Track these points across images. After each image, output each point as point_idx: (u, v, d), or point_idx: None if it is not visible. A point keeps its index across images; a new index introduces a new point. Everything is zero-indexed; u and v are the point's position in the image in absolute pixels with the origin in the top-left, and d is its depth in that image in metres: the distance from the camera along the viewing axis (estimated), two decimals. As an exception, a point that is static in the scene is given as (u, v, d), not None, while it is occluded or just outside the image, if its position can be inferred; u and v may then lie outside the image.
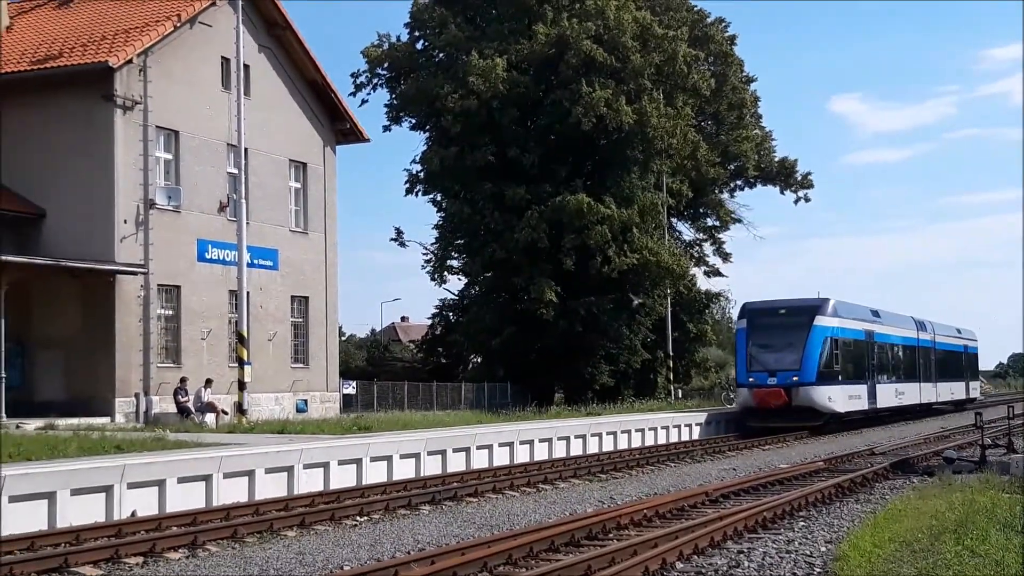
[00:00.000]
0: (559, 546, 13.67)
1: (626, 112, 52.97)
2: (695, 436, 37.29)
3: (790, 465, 24.27)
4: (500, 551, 12.70)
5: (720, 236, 69.92)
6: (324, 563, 12.91)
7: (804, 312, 39.26)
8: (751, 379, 38.78)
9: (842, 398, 39.11)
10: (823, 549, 13.22)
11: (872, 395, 42.74)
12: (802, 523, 15.65)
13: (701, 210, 68.34)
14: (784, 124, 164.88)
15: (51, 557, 12.96)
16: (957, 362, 62.52)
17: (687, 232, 69.80)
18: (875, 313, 46.45)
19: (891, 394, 45.92)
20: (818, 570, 11.86)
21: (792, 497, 17.37)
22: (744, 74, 67.65)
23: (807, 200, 70.92)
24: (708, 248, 69.84)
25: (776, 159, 69.25)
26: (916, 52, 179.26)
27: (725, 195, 69.29)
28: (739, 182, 69.81)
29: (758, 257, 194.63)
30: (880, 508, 16.97)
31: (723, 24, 66.42)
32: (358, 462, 22.16)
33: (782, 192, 70.84)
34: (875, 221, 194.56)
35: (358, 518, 16.98)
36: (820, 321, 38.75)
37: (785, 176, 69.72)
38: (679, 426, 37.06)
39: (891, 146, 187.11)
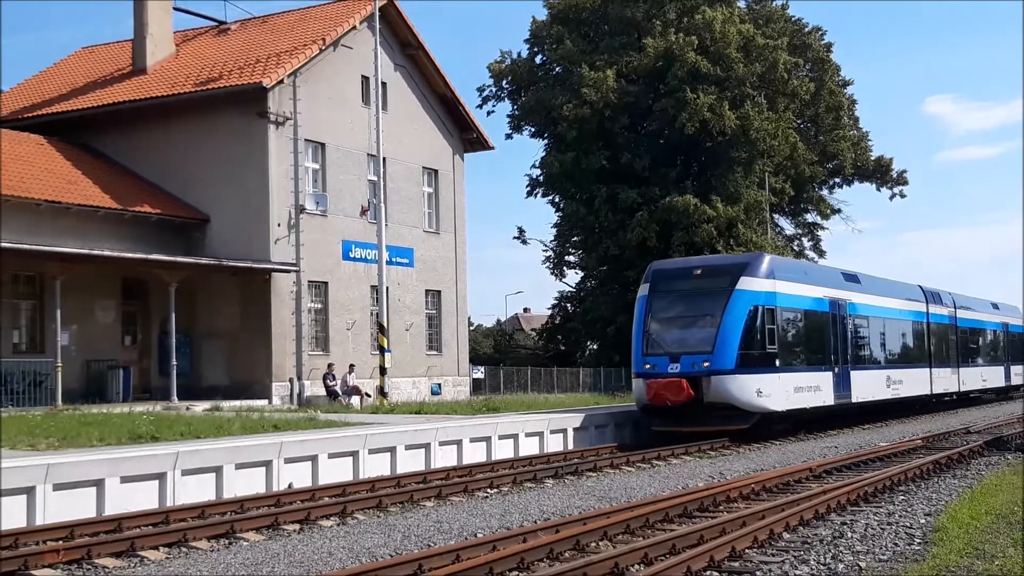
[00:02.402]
0: (672, 517, 13.57)
1: (729, 117, 52.52)
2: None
3: (889, 443, 23.74)
4: (618, 521, 12.68)
5: (818, 232, 68.88)
6: (459, 530, 13.00)
7: (724, 273, 26.30)
8: (647, 365, 25.44)
9: (781, 391, 25.92)
10: (922, 521, 12.92)
11: (841, 385, 29.45)
12: (902, 497, 15.29)
13: (802, 206, 67.22)
14: (880, 124, 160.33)
15: (219, 524, 13.25)
16: (992, 343, 47.69)
17: (788, 227, 68.79)
18: (851, 278, 33.03)
19: (877, 383, 32.72)
20: (918, 541, 11.60)
21: (892, 472, 16.99)
22: (841, 78, 66.26)
23: (903, 196, 69.23)
24: (806, 243, 68.79)
25: (872, 158, 67.69)
26: (1003, 53, 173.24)
27: (824, 192, 68.08)
28: (837, 180, 68.52)
29: (855, 250, 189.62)
30: (976, 483, 16.48)
31: (820, 32, 65.23)
32: (487, 440, 22.28)
33: (878, 189, 69.26)
34: (968, 215, 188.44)
35: (488, 490, 17.05)
36: (746, 284, 25.34)
37: (881, 174, 68.14)
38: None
39: (982, 143, 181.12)
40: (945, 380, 39.47)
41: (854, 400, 30.34)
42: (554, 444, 24.09)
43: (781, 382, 25.98)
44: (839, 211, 68.99)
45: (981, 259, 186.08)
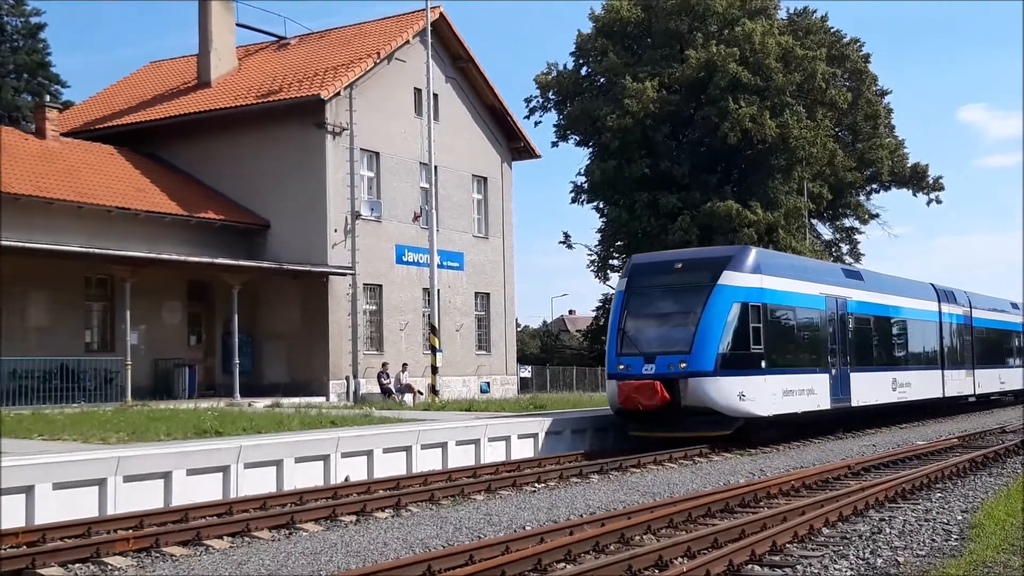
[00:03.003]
0: (714, 512, 13.51)
1: (769, 126, 52.22)
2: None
3: (926, 442, 23.43)
4: (662, 515, 12.63)
5: (856, 237, 68.18)
6: (508, 523, 13.00)
7: (705, 267, 23.26)
8: (621, 366, 22.64)
9: (768, 394, 23.01)
10: (959, 518, 12.73)
11: (839, 388, 26.36)
12: (939, 494, 15.07)
13: (840, 211, 66.58)
14: (916, 132, 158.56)
15: (280, 515, 13.32)
16: (1011, 343, 43.59)
17: (826, 232, 68.10)
18: (852, 275, 30.51)
19: (882, 386, 29.22)
20: (955, 537, 11.45)
21: (929, 470, 16.77)
22: (878, 88, 65.49)
23: (939, 202, 68.07)
24: (844, 248, 68.08)
25: (909, 164, 66.76)
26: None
27: (861, 197, 67.37)
28: (874, 186, 67.64)
29: (892, 255, 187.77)
30: (1012, 481, 16.19)
31: (858, 43, 64.46)
32: (535, 436, 22.27)
33: (914, 195, 68.23)
34: (1003, 219, 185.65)
35: (536, 485, 17.04)
36: (729, 279, 22.52)
37: (917, 180, 67.21)
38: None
39: (1015, 150, 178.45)
40: (959, 382, 35.68)
41: (854, 404, 27.12)
42: (599, 441, 23.98)
43: (768, 385, 23.07)
44: (877, 216, 68.26)
45: (1012, 263, 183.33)
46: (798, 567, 10.02)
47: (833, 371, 26.23)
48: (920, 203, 69.73)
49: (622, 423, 23.38)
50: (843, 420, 27.21)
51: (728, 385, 22.06)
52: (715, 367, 21.81)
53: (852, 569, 9.91)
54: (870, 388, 28.24)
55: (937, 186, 67.47)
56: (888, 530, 11.91)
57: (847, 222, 68.17)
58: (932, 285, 35.56)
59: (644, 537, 11.77)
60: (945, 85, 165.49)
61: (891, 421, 30.16)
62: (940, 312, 34.92)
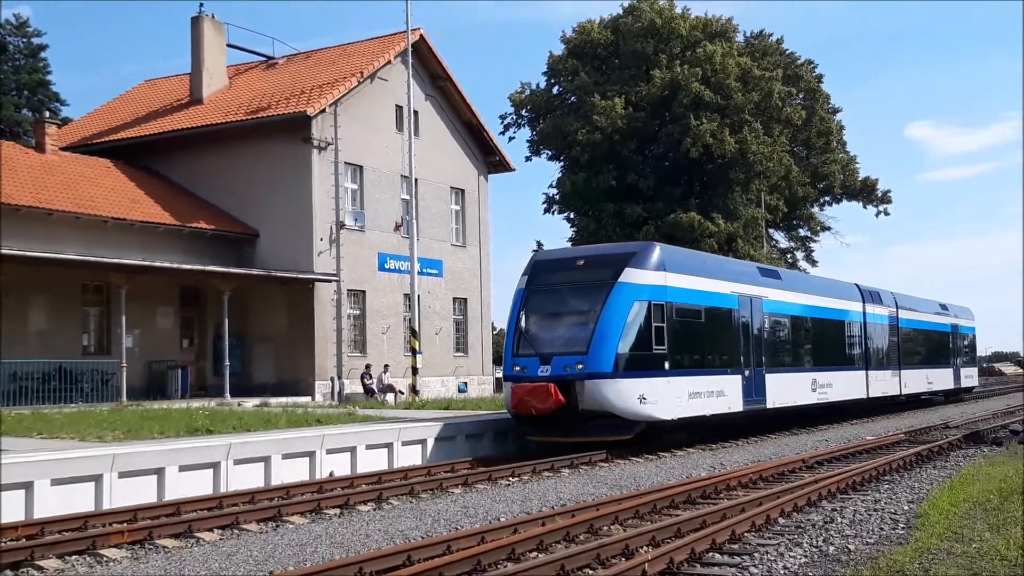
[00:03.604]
0: (678, 503, 13.51)
1: (729, 142, 52.54)
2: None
3: (875, 437, 23.57)
4: (629, 507, 12.63)
5: (811, 245, 68.62)
6: (484, 515, 12.96)
7: (607, 264, 20.79)
8: (517, 367, 20.15)
9: (672, 397, 20.58)
10: (906, 508, 12.81)
11: (754, 390, 24.06)
12: (887, 486, 15.15)
13: (795, 222, 67.01)
14: (866, 148, 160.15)
15: (268, 508, 13.24)
16: (939, 344, 41.03)
17: (783, 241, 68.50)
18: (768, 273, 27.52)
19: (800, 387, 26.81)
20: (902, 526, 11.51)
21: (878, 464, 16.87)
22: (830, 106, 66.03)
23: (887, 214, 68.75)
24: (799, 255, 68.51)
25: (859, 178, 67.30)
26: (978, 82, 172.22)
27: (815, 209, 67.80)
28: (827, 198, 68.09)
29: (845, 264, 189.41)
30: (955, 473, 16.32)
31: (812, 65, 64.98)
32: (506, 434, 22.17)
33: (864, 207, 68.79)
34: (950, 229, 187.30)
35: (510, 479, 16.98)
36: (630, 277, 20.15)
37: (867, 193, 67.73)
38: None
39: (961, 165, 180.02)
40: (884, 383, 33.27)
41: (770, 406, 24.75)
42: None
43: (671, 387, 20.59)
44: (829, 228, 68.76)
45: (957, 269, 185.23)
46: (755, 555, 10.03)
47: (746, 372, 23.85)
48: (870, 215, 70.29)
49: (518, 428, 20.90)
50: (757, 423, 24.73)
51: (628, 387, 19.60)
52: (614, 368, 19.43)
53: (806, 556, 9.93)
54: (787, 389, 25.81)
55: (886, 199, 68.02)
56: (839, 519, 11.96)
57: (802, 232, 68.68)
58: (856, 286, 33.36)
59: (611, 527, 11.77)
60: (893, 103, 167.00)
61: (808, 423, 27.66)
62: (864, 312, 32.52)
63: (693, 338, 22.20)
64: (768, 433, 25.22)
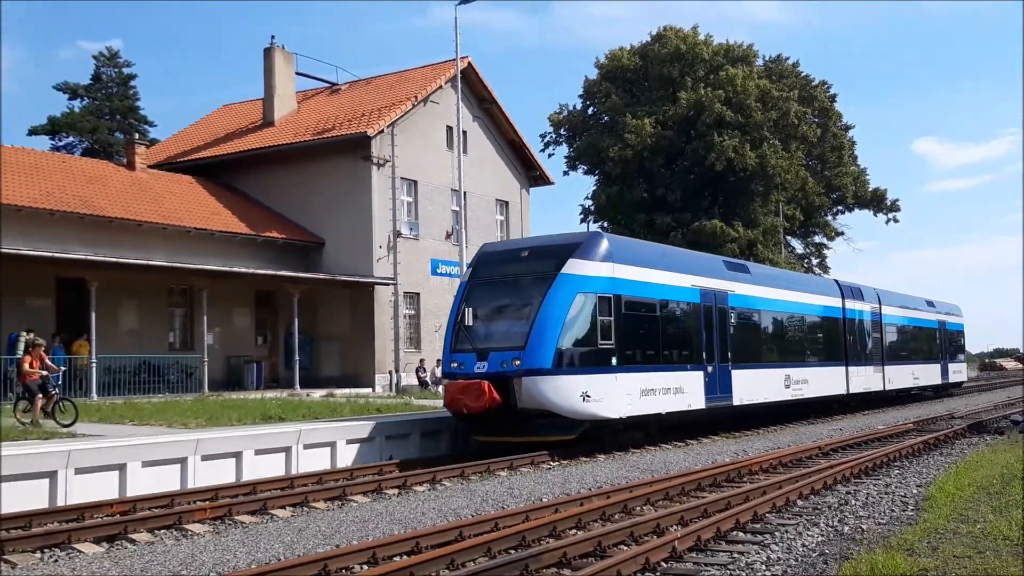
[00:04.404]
0: (705, 486, 13.44)
1: (750, 157, 52.21)
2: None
3: (885, 426, 23.23)
4: (660, 489, 12.58)
5: (825, 251, 67.86)
6: (528, 496, 12.95)
7: (550, 255, 18.02)
8: (455, 364, 17.69)
9: (621, 395, 17.81)
10: (915, 491, 12.64)
11: (719, 386, 21.12)
12: (897, 471, 14.96)
13: (811, 229, 66.30)
14: (876, 161, 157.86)
15: (333, 488, 13.27)
16: (926, 340, 37.79)
17: (799, 247, 67.80)
18: (736, 267, 24.23)
19: (771, 383, 23.80)
20: (911, 508, 11.36)
21: (888, 451, 16.65)
22: (843, 123, 65.28)
23: (896, 221, 67.84)
24: (814, 261, 67.74)
25: (870, 189, 66.47)
26: (977, 102, 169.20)
27: (829, 217, 67.05)
28: (840, 207, 67.36)
29: (856, 268, 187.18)
30: (960, 460, 16.07)
31: (826, 86, 64.30)
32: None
33: (875, 215, 67.96)
34: (952, 236, 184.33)
35: (551, 463, 16.90)
36: (574, 268, 17.54)
37: (877, 202, 66.88)
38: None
39: (963, 177, 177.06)
40: (866, 378, 30.12)
41: (736, 403, 21.86)
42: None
43: (620, 384, 17.77)
44: (842, 234, 68.00)
45: (960, 271, 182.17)
46: (776, 533, 9.96)
47: (709, 368, 20.87)
48: (880, 222, 69.39)
49: (459, 427, 18.40)
50: (722, 420, 22.12)
51: (568, 384, 16.95)
52: (553, 365, 16.76)
53: (823, 535, 9.84)
54: (756, 385, 22.91)
55: (894, 208, 67.12)
56: (853, 502, 11.84)
57: (817, 238, 67.93)
58: (836, 282, 30.63)
59: (644, 508, 11.73)
60: (901, 121, 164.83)
61: (779, 420, 24.84)
62: (844, 308, 29.31)
63: (647, 333, 19.16)
64: (787, 423, 24.93)
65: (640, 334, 18.90)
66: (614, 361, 17.77)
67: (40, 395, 16.97)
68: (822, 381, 26.95)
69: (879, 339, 31.96)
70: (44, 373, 17.24)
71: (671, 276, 20.15)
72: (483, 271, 18.71)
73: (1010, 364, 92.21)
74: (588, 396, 17.14)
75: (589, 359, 17.45)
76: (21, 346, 21.18)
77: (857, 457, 15.79)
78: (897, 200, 67.21)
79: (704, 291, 21.25)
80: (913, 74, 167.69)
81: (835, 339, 28.54)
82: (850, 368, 28.95)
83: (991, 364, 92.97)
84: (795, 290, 26.61)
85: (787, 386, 24.54)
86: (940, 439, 19.45)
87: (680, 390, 19.69)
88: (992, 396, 39.29)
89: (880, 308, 32.50)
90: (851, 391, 28.89)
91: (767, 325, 24.48)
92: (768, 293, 24.56)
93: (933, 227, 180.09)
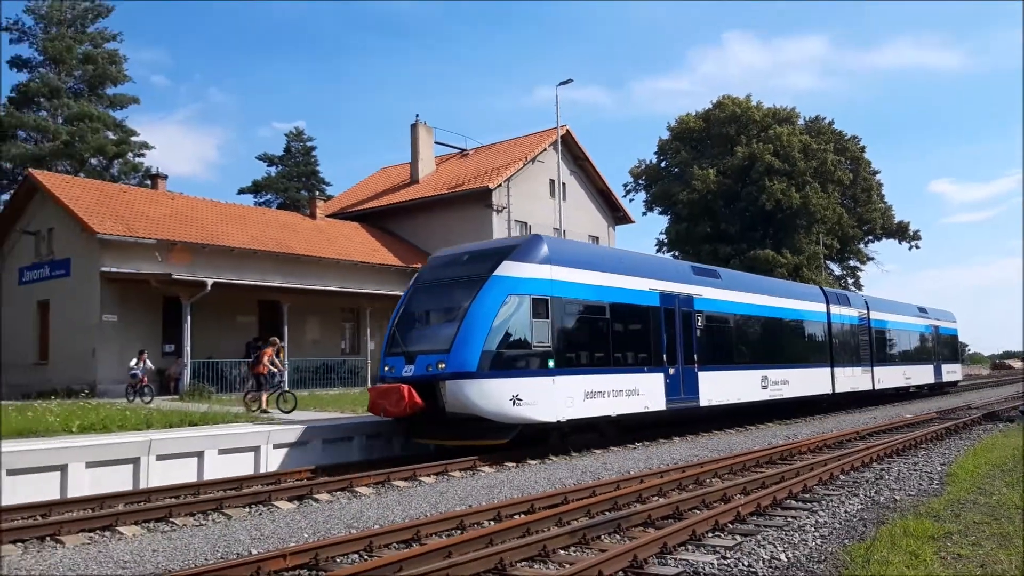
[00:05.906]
0: (762, 463, 13.05)
1: (794, 197, 50.78)
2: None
3: (912, 415, 22.06)
4: (724, 464, 12.29)
5: (859, 273, 65.18)
6: (618, 469, 12.77)
7: (487, 259, 14.41)
8: (386, 367, 14.21)
9: (559, 397, 14.04)
10: (939, 468, 12.00)
11: (682, 388, 17.29)
12: (923, 452, 14.22)
13: (846, 255, 63.80)
14: (900, 199, 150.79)
15: (466, 460, 13.19)
16: (918, 343, 33.17)
17: (837, 270, 65.29)
18: (704, 272, 19.67)
19: (745, 384, 19.83)
20: (936, 482, 10.79)
21: (916, 435, 15.84)
22: (871, 168, 62.70)
23: (918, 247, 64.66)
24: (849, 281, 65.12)
25: (895, 222, 63.54)
26: (984, 148, 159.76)
27: (861, 245, 64.40)
28: (870, 237, 64.55)
29: (884, 286, 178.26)
30: (977, 443, 15.17)
31: (856, 139, 61.92)
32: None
33: (899, 243, 64.85)
34: (964, 258, 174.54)
35: (636, 443, 16.54)
36: (507, 270, 13.94)
37: (902, 232, 63.86)
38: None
39: (972, 211, 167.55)
40: (854, 379, 26.05)
41: (704, 404, 17.93)
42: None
43: (558, 387, 14.06)
44: (872, 259, 65.17)
45: (968, 287, 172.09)
46: (822, 502, 9.62)
47: (671, 370, 17.07)
48: (904, 249, 66.25)
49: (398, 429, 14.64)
50: (687, 421, 18.72)
51: (496, 388, 13.26)
52: (478, 367, 13.14)
53: (862, 504, 9.44)
54: (728, 386, 19.04)
55: (916, 237, 64.04)
56: (887, 477, 11.32)
57: (851, 263, 65.38)
58: (821, 289, 26.75)
59: (713, 480, 11.49)
60: (920, 165, 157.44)
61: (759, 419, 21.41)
62: (829, 313, 25.41)
63: (593, 335, 15.34)
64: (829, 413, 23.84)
65: (585, 336, 15.14)
66: (551, 364, 14.05)
67: (268, 388, 16.98)
68: (806, 381, 22.99)
69: (867, 342, 27.80)
70: (273, 369, 17.21)
71: (624, 279, 16.32)
72: (426, 275, 15.29)
73: (1017, 364, 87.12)
74: (519, 399, 13.45)
75: (522, 361, 13.77)
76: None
77: (889, 440, 15.08)
78: (918, 230, 64.10)
79: (664, 294, 17.28)
80: (930, 127, 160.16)
81: (820, 342, 24.64)
82: (836, 369, 25.03)
83: (1001, 364, 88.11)
84: (774, 295, 22.62)
85: (764, 387, 20.73)
86: (959, 426, 18.38)
87: (635, 392, 15.92)
88: (1000, 391, 36.67)
89: (868, 313, 28.51)
90: (837, 391, 24.86)
91: (740, 328, 20.32)
92: (740, 297, 20.55)
93: (949, 251, 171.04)
